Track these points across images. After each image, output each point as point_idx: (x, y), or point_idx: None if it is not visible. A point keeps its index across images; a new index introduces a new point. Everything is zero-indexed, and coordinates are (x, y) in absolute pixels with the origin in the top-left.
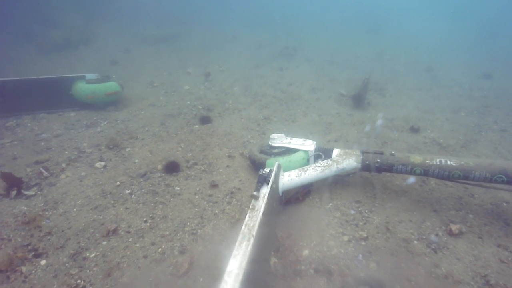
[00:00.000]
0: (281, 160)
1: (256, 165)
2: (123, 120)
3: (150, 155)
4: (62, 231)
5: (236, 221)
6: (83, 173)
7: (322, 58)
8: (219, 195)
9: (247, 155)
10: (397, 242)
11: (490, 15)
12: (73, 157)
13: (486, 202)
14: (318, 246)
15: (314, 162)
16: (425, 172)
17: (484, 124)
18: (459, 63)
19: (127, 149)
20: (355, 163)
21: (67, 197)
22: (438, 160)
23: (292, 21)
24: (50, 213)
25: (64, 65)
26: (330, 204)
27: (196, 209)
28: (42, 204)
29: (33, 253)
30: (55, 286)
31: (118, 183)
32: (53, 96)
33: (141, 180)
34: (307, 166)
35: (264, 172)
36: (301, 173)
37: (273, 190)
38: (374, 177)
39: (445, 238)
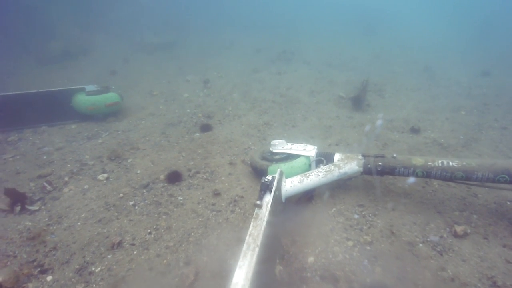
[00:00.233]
0: (283, 166)
1: (258, 172)
2: (124, 130)
3: (152, 165)
4: (67, 245)
5: (240, 229)
6: (86, 186)
7: (320, 61)
8: (222, 204)
9: (249, 162)
10: (402, 246)
11: (485, 12)
12: (75, 170)
13: (490, 202)
14: (323, 252)
15: (316, 168)
16: (427, 174)
17: (485, 122)
18: (457, 61)
19: (129, 160)
20: (357, 167)
21: (71, 211)
22: (440, 161)
23: (289, 25)
24: (55, 227)
25: (63, 76)
26: (334, 209)
27: (200, 219)
28: (47, 219)
29: (39, 269)
30: None
31: (121, 195)
32: (53, 108)
33: (144, 191)
34: (309, 172)
35: (266, 180)
36: (303, 179)
37: (276, 198)
38: (376, 180)
39: (450, 240)
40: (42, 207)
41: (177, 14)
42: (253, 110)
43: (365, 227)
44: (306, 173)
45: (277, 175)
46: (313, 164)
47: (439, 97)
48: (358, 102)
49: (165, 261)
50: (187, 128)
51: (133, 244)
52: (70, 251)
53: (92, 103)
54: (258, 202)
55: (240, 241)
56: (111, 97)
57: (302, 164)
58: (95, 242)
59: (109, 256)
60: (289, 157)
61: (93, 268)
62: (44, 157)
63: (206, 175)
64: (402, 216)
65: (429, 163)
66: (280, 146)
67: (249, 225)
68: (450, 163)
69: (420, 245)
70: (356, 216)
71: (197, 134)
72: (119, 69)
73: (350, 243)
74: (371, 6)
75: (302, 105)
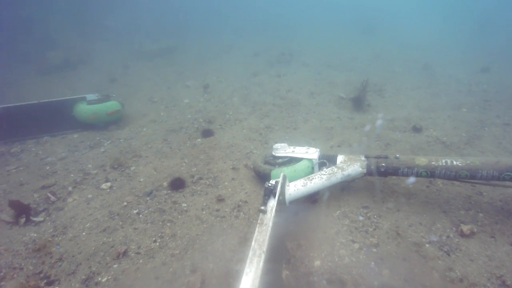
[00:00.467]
0: (286, 170)
1: (261, 176)
2: (125, 138)
3: (155, 173)
4: (73, 256)
5: (245, 235)
6: (89, 196)
7: (319, 62)
8: (226, 209)
9: (252, 167)
10: (408, 247)
11: (482, 9)
12: (78, 180)
13: (496, 200)
14: (329, 255)
15: (319, 170)
16: (431, 174)
17: (487, 119)
18: (456, 59)
19: (132, 168)
20: (360, 169)
21: (76, 221)
22: (443, 161)
23: (286, 27)
24: (60, 238)
25: (64, 86)
26: (338, 211)
27: (205, 225)
28: (51, 230)
29: (45, 280)
30: None
31: (125, 203)
32: (55, 119)
33: (148, 199)
34: (312, 175)
35: (270, 184)
36: (306, 182)
37: (280, 202)
38: (377, 181)
39: (457, 240)
40: (47, 218)
41: (175, 20)
42: (254, 113)
43: (371, 229)
44: (309, 176)
45: (280, 180)
46: (316, 167)
47: (440, 95)
48: (358, 103)
49: (171, 269)
50: (189, 134)
51: (138, 253)
52: (76, 262)
53: (93, 112)
54: (262, 207)
55: (245, 246)
56: (112, 105)
57: (305, 167)
58: (101, 252)
59: (115, 266)
60: (291, 160)
61: (100, 278)
62: (47, 168)
63: (209, 181)
64: (408, 217)
65: (433, 163)
66: (282, 149)
67: (254, 230)
68: (454, 162)
69: (427, 245)
70: (361, 218)
71: (199, 139)
72: (119, 76)
73: (356, 245)
74: (369, 5)
75: (302, 107)
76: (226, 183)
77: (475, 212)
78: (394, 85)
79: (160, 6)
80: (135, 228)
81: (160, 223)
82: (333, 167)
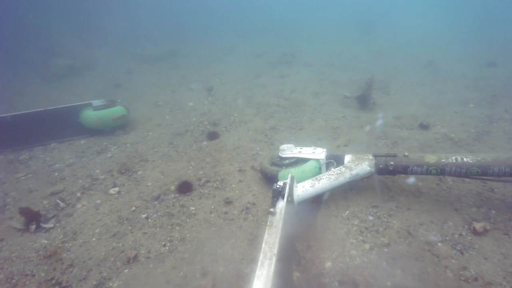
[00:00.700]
0: (293, 171)
1: (268, 178)
2: (132, 143)
3: (162, 177)
4: (84, 262)
5: (254, 237)
6: (98, 201)
7: (321, 62)
8: (235, 212)
9: (258, 168)
10: (420, 246)
11: (484, 2)
12: (87, 186)
13: (508, 196)
14: (340, 256)
15: (327, 170)
16: (441, 172)
17: (495, 114)
18: (460, 54)
19: (139, 173)
20: (369, 168)
21: (85, 226)
22: (454, 158)
23: (287, 28)
24: (70, 244)
25: (69, 92)
26: (347, 211)
27: (213, 228)
28: (62, 236)
29: (57, 287)
30: None
31: (133, 208)
32: (62, 125)
33: (156, 203)
34: (320, 175)
35: (278, 186)
36: (315, 183)
37: (289, 203)
38: (389, 179)
39: (470, 238)
40: (57, 224)
41: (175, 24)
42: (259, 115)
43: (381, 229)
44: (317, 176)
45: (288, 181)
46: (324, 167)
47: (446, 91)
48: (364, 101)
49: (181, 273)
50: (194, 137)
51: (148, 257)
52: (87, 267)
53: (99, 117)
54: (271, 209)
55: (255, 249)
56: (117, 110)
57: (312, 168)
58: (111, 257)
59: (126, 271)
60: (298, 161)
61: (111, 284)
62: (56, 174)
63: (216, 183)
64: (418, 216)
65: (443, 160)
66: (289, 150)
67: (264, 232)
68: (465, 159)
69: (439, 244)
70: (370, 217)
71: (205, 142)
72: (123, 81)
73: (367, 245)
74: (368, 3)
75: (307, 107)
76: (234, 186)
77: (487, 209)
78: (398, 82)
79: (161, 10)
80: (145, 233)
81: (169, 227)
82: (341, 167)
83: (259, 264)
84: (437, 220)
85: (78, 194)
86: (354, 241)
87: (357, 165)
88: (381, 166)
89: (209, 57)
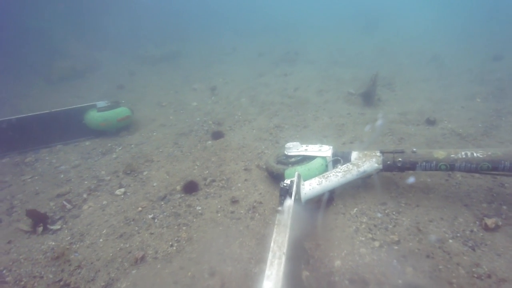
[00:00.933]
0: (300, 169)
1: (274, 176)
2: (136, 143)
3: (167, 177)
4: (91, 263)
5: (262, 236)
6: (104, 202)
7: (325, 59)
8: (241, 211)
9: (264, 167)
10: (431, 243)
11: None
12: (93, 187)
13: None
14: (350, 255)
15: (333, 168)
16: (451, 167)
17: (503, 108)
18: (465, 48)
19: (145, 173)
20: (376, 165)
21: (92, 228)
22: (463, 153)
23: (289, 27)
24: (78, 245)
25: (73, 94)
26: (355, 209)
27: (220, 228)
28: (69, 238)
29: None
30: None
31: (140, 208)
32: (67, 127)
33: (162, 203)
34: (327, 173)
35: (285, 184)
36: (322, 180)
37: (296, 202)
38: (396, 176)
39: (481, 234)
40: (64, 226)
41: (177, 25)
42: (263, 113)
43: (390, 226)
44: (324, 174)
45: (295, 179)
46: (330, 165)
47: (452, 85)
48: (368, 98)
49: (189, 273)
50: (199, 136)
51: (156, 258)
52: (95, 269)
53: (104, 119)
54: (279, 208)
55: (263, 248)
56: (122, 111)
57: (319, 165)
58: (119, 258)
59: (134, 272)
60: (305, 159)
61: (119, 285)
62: (62, 176)
63: (222, 183)
64: (428, 212)
65: (452, 156)
66: (294, 148)
67: (272, 231)
68: (475, 154)
69: (450, 241)
70: (379, 215)
71: (209, 142)
72: (126, 83)
73: (377, 243)
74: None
75: (311, 105)
76: (239, 185)
77: (498, 204)
78: (403, 78)
79: (162, 12)
80: (151, 233)
81: (176, 227)
82: (348, 164)
83: (268, 263)
84: (447, 217)
85: (84, 196)
86: (363, 239)
87: (364, 162)
88: (389, 162)
89: (211, 57)
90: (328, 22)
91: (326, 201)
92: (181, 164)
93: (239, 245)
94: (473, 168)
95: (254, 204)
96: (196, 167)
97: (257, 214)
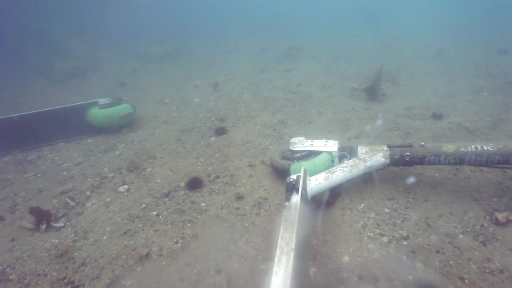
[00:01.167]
0: (305, 164)
1: (279, 172)
2: (139, 140)
3: (171, 173)
4: (96, 260)
5: (268, 232)
6: (108, 199)
7: (327, 55)
8: (246, 207)
9: (269, 163)
10: (441, 238)
11: None
12: (96, 184)
13: None
14: (358, 250)
15: (340, 163)
16: (460, 161)
17: (510, 101)
18: (469, 42)
19: (148, 170)
20: (383, 159)
21: (96, 225)
22: (473, 146)
23: (290, 23)
24: (81, 243)
25: (75, 92)
26: (362, 204)
27: (225, 224)
28: (73, 235)
29: (69, 286)
30: None
31: (143, 205)
32: (69, 124)
33: (166, 200)
34: (333, 168)
35: (291, 179)
36: (328, 175)
37: (303, 197)
38: (404, 171)
39: (492, 229)
40: (67, 223)
41: (177, 23)
42: (266, 109)
43: (399, 221)
44: (330, 169)
45: (301, 174)
46: (336, 160)
47: (457, 79)
48: (373, 92)
49: (195, 270)
50: (202, 133)
51: (161, 255)
52: (99, 266)
53: (106, 116)
54: (286, 203)
55: (269, 244)
56: (124, 108)
57: (325, 161)
58: (123, 255)
59: (139, 269)
60: (310, 154)
61: (124, 282)
62: (64, 173)
63: (226, 179)
64: (437, 207)
65: (462, 149)
66: (300, 143)
67: (279, 227)
68: (485, 147)
69: (460, 236)
70: (387, 210)
71: (213, 138)
72: (128, 81)
73: (385, 239)
74: None
75: (315, 100)
76: (244, 181)
77: (508, 199)
78: (407, 72)
79: (163, 9)
80: (156, 230)
81: (180, 223)
82: (355, 158)
83: (276, 260)
84: (456, 212)
85: (88, 193)
86: (371, 234)
87: (371, 156)
88: (396, 157)
89: (213, 54)
90: (330, 17)
91: (333, 196)
92: (184, 160)
93: (245, 242)
94: (483, 161)
95: (260, 200)
96: (199, 163)
97: (262, 210)
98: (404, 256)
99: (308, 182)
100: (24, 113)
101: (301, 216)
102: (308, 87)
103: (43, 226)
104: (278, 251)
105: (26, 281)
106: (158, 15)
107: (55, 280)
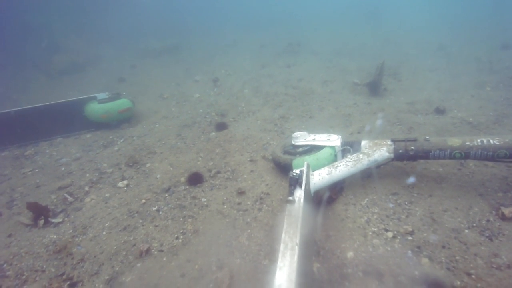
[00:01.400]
0: (308, 159)
1: (281, 167)
2: (138, 135)
3: (171, 169)
4: (95, 256)
5: (270, 228)
6: (107, 194)
7: (328, 50)
8: (248, 202)
9: (270, 158)
10: (446, 233)
11: None
12: (95, 179)
13: None
14: (362, 246)
15: (343, 157)
16: (466, 155)
17: None
18: (471, 37)
19: (147, 165)
20: (387, 154)
21: (95, 220)
22: (479, 140)
23: (290, 19)
24: (80, 239)
25: (73, 88)
26: (366, 199)
27: (227, 220)
28: (71, 231)
29: (68, 282)
30: None
31: (143, 200)
32: (67, 119)
33: (166, 195)
34: (337, 162)
35: (295, 174)
36: (331, 170)
37: (306, 192)
38: (408, 165)
39: (498, 223)
40: (66, 218)
41: (177, 18)
42: (267, 104)
43: (403, 216)
44: (334, 164)
45: (305, 168)
46: (339, 154)
47: (460, 75)
48: (374, 88)
49: (196, 266)
50: (202, 128)
51: (161, 251)
52: (98, 262)
53: (105, 110)
54: (290, 198)
55: (272, 240)
56: (123, 103)
57: (328, 155)
58: (123, 251)
59: (139, 265)
60: (312, 148)
61: (124, 278)
62: (63, 169)
63: (227, 174)
64: (442, 202)
65: (467, 143)
66: (302, 138)
67: (280, 223)
68: (491, 141)
69: (466, 231)
70: (391, 205)
71: (213, 133)
72: (127, 76)
73: (390, 234)
74: None
75: (316, 95)
76: (245, 176)
77: None
78: (409, 67)
79: (162, 5)
80: (156, 226)
81: (181, 219)
82: (358, 153)
83: (280, 255)
84: (462, 206)
85: (86, 188)
86: (375, 229)
87: (375, 151)
88: (400, 151)
89: (213, 49)
90: (330, 12)
91: (336, 191)
92: (184, 155)
93: (247, 237)
94: (489, 155)
95: (261, 195)
96: (200, 158)
97: (264, 205)
98: (410, 252)
99: (311, 177)
100: (21, 108)
101: (305, 210)
102: (309, 82)
103: (41, 222)
104: (282, 246)
105: (24, 277)
106: (158, 10)
107: (53, 276)
